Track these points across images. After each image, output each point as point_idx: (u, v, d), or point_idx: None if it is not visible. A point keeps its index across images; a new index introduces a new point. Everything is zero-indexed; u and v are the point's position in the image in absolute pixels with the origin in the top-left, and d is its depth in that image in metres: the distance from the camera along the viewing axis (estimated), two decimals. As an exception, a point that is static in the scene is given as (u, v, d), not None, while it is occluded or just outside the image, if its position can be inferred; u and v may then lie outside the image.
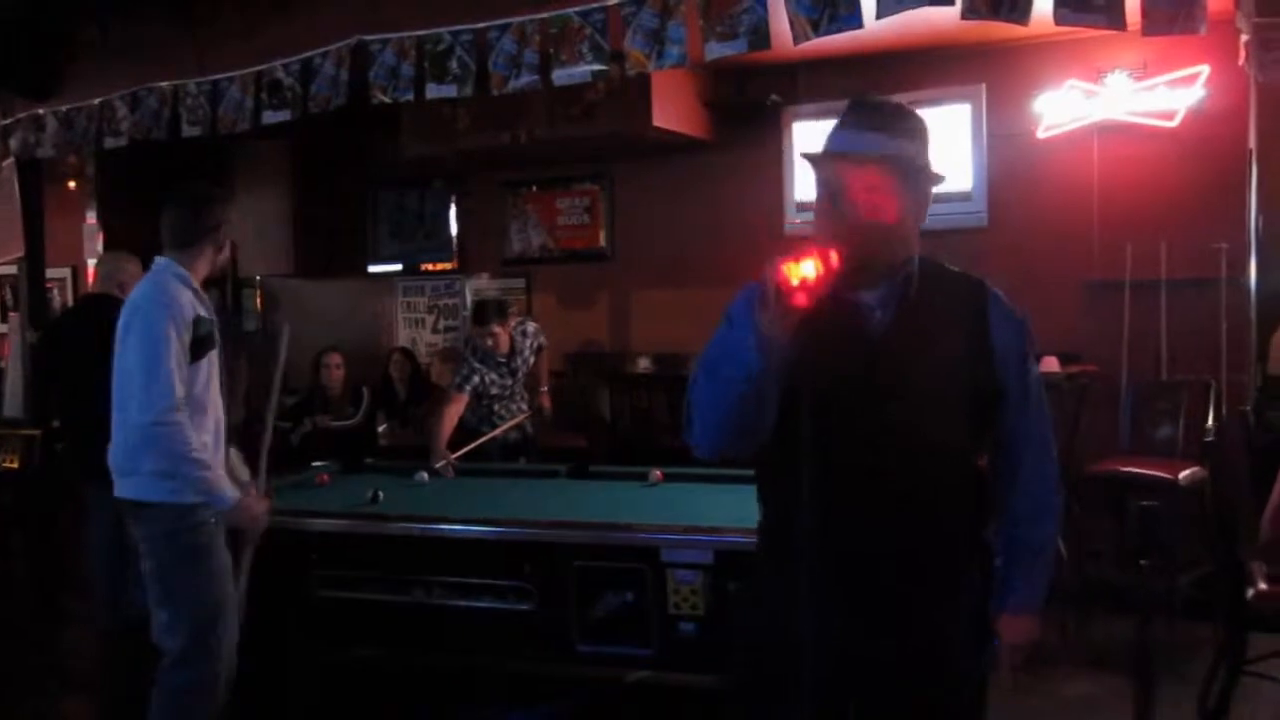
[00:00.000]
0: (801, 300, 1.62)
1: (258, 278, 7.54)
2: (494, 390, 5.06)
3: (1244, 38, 4.09)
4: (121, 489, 3.01)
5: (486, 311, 5.10)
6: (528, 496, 3.93)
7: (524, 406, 5.23)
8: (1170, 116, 4.88)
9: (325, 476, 4.29)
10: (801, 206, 5.83)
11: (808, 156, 1.91)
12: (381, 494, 3.82)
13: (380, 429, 6.11)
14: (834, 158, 1.86)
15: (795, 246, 1.64)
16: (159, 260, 3.11)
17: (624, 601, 3.14)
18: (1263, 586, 2.72)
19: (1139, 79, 4.94)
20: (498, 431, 4.99)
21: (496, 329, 5.01)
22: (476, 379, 5.00)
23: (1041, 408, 1.96)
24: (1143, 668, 2.93)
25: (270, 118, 4.72)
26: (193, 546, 2.92)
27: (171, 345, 2.88)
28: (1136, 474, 4.56)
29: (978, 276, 1.95)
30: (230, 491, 2.97)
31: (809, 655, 1.75)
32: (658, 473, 4.12)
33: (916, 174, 1.86)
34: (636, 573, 3.13)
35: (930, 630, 1.86)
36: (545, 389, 5.32)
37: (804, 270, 1.62)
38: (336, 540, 3.50)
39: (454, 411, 4.87)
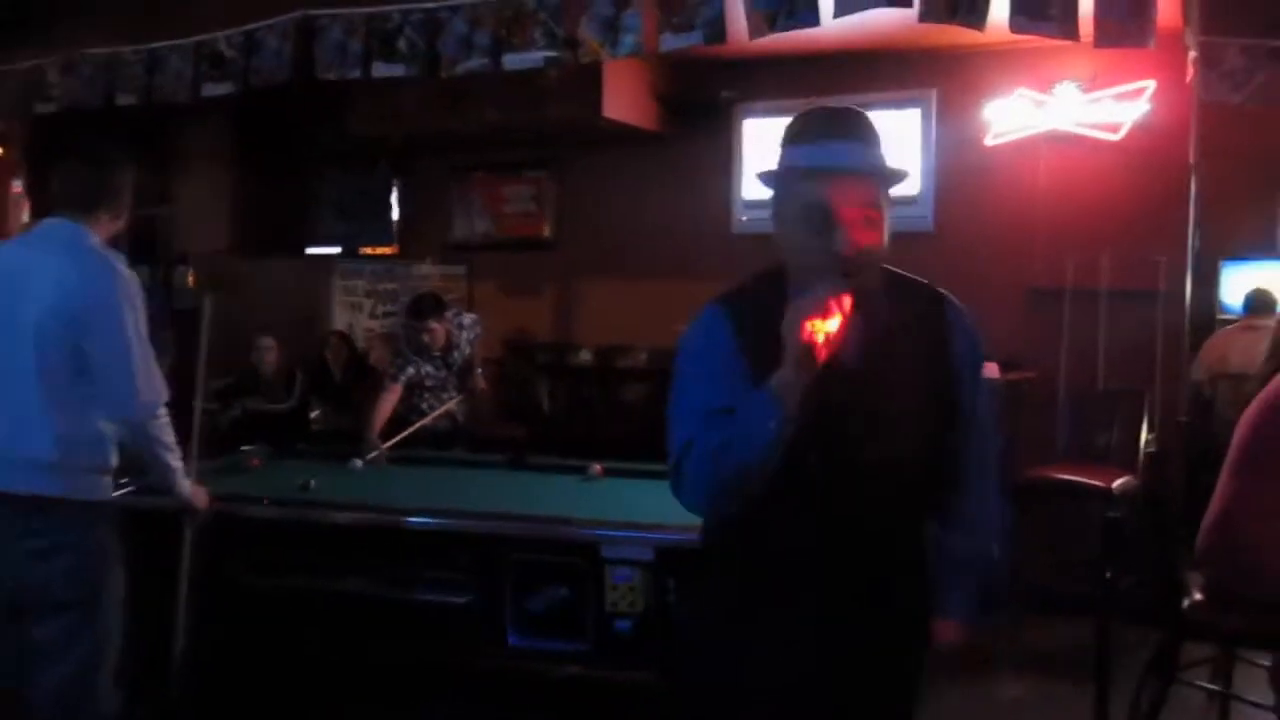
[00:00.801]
0: (823, 355, 1.54)
1: (192, 255, 7.34)
2: (429, 383, 4.97)
3: (1191, 54, 4.15)
4: (37, 484, 2.62)
5: (423, 306, 5.00)
6: (465, 487, 3.85)
7: (454, 394, 5.13)
8: (1116, 129, 4.94)
9: (256, 461, 4.18)
10: (750, 204, 5.82)
11: (788, 171, 1.72)
12: (314, 482, 3.72)
13: (313, 414, 5.98)
14: (830, 175, 1.66)
15: (813, 301, 1.54)
16: (61, 224, 2.73)
17: (561, 596, 3.09)
18: (1198, 597, 2.75)
19: (1087, 91, 5.00)
20: (428, 419, 4.89)
21: (434, 325, 4.91)
22: (412, 370, 4.90)
23: (988, 425, 1.91)
24: (1102, 677, 2.93)
25: (211, 90, 4.57)
26: (110, 544, 2.73)
27: (143, 329, 2.71)
28: (1072, 481, 4.61)
29: (937, 288, 1.87)
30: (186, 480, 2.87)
31: (780, 659, 1.73)
32: (598, 467, 4.07)
33: (894, 180, 1.77)
34: (575, 568, 3.07)
35: (897, 638, 1.85)
36: (480, 370, 5.17)
37: (829, 327, 1.53)
38: (267, 527, 3.40)
39: (389, 401, 4.78)
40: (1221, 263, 6.77)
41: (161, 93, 4.70)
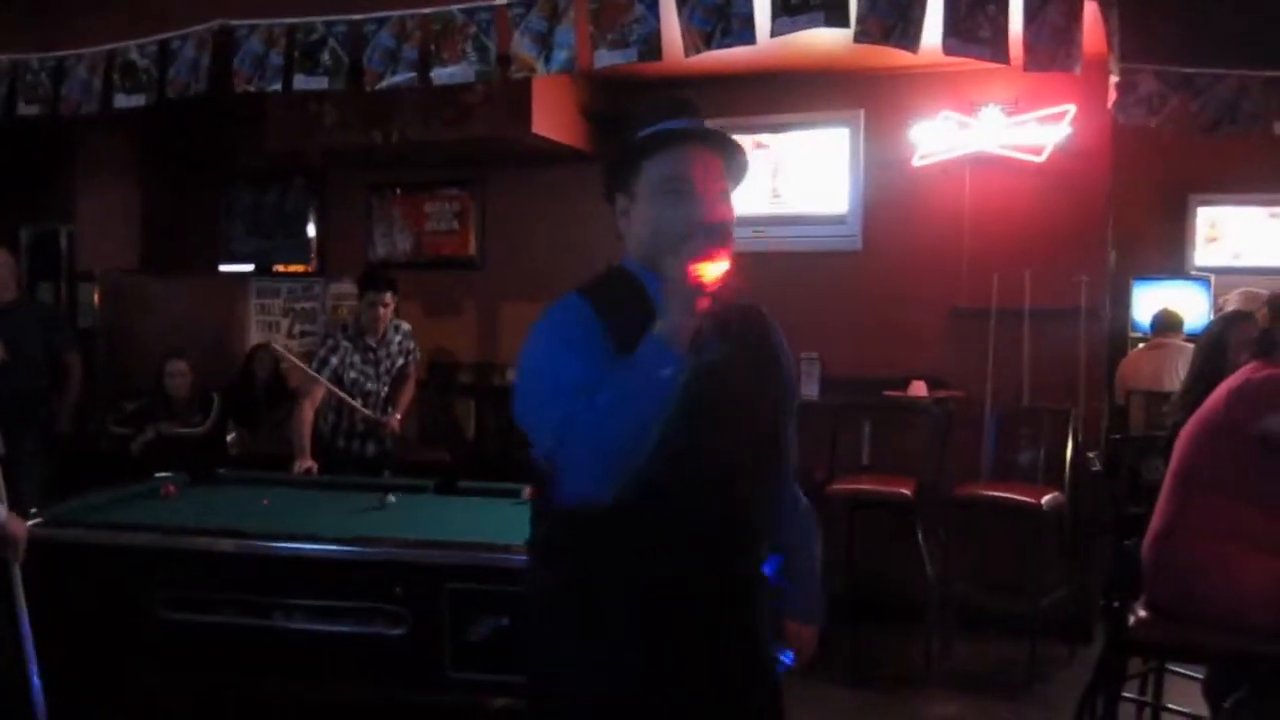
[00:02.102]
0: (706, 304, 1.51)
1: (98, 272, 7.04)
2: (352, 374, 4.78)
3: (1113, 79, 4.25)
4: None
5: (377, 278, 4.85)
6: (395, 514, 3.73)
7: (375, 400, 4.90)
8: (1038, 151, 5.04)
9: (172, 488, 3.99)
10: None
11: (648, 141, 1.70)
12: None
13: (229, 438, 5.77)
14: (689, 146, 1.70)
15: (697, 244, 1.53)
16: None
17: (500, 626, 2.99)
18: (1141, 613, 2.77)
19: (1010, 114, 5.09)
20: (358, 405, 4.73)
21: (388, 298, 4.78)
22: (335, 360, 4.72)
23: (795, 435, 1.94)
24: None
25: (122, 102, 4.39)
26: None
27: None
28: (1001, 498, 4.66)
29: (755, 305, 1.87)
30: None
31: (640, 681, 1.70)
32: (530, 490, 3.97)
33: (742, 165, 1.79)
34: (515, 596, 2.98)
35: (760, 651, 1.83)
36: (399, 415, 4.88)
37: (715, 270, 1.51)
38: (185, 558, 3.23)
39: (312, 402, 4.63)
40: (1132, 282, 7.00)
41: (69, 104, 4.50)
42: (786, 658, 1.96)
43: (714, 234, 1.60)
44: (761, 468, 1.78)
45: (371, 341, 4.81)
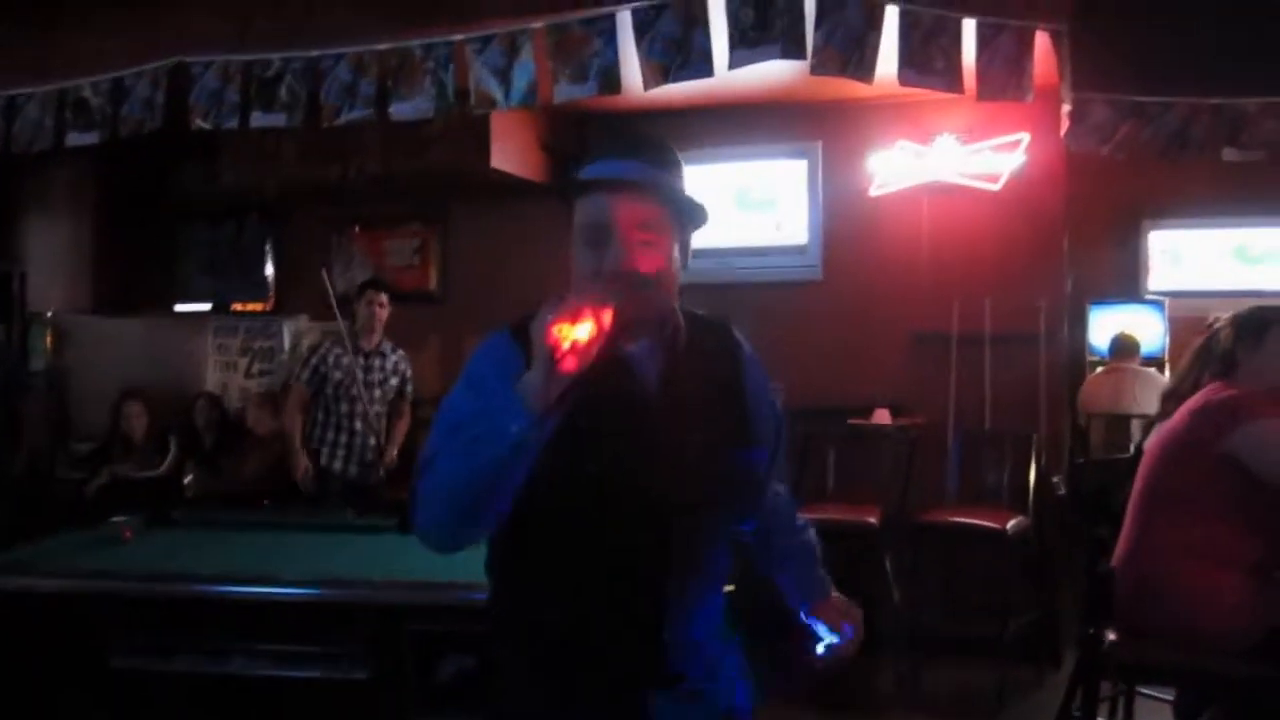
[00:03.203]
0: (571, 366, 1.44)
1: (49, 313, 6.92)
2: (338, 374, 4.72)
3: (1065, 108, 4.31)
4: None
5: (375, 280, 5.00)
6: (354, 554, 3.66)
7: (375, 446, 4.83)
8: (994, 179, 5.10)
9: (128, 532, 3.89)
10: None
11: (568, 186, 1.68)
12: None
13: (186, 479, 5.67)
14: (608, 187, 1.64)
15: (565, 304, 1.47)
16: None
17: (466, 667, 2.93)
18: (1112, 637, 2.77)
19: (965, 143, 5.15)
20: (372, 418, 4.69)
21: (384, 298, 4.78)
22: (316, 360, 4.73)
23: (784, 450, 1.92)
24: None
25: (75, 139, 4.34)
26: None
27: None
28: (965, 523, 4.67)
29: (722, 320, 1.83)
30: None
31: None
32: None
33: (689, 211, 1.70)
34: (479, 636, 2.92)
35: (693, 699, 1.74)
36: (394, 452, 4.87)
37: (577, 333, 1.44)
38: (141, 604, 3.15)
39: (294, 404, 4.62)
40: (1089, 305, 7.09)
41: (20, 142, 4.44)
42: (835, 637, 1.91)
43: (618, 285, 1.55)
44: (698, 504, 1.69)
45: (365, 345, 4.78)
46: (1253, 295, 6.82)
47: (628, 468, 1.62)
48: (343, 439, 4.82)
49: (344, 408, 4.77)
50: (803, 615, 1.93)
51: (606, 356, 1.50)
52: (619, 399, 1.62)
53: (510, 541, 1.72)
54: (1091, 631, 2.78)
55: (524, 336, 1.60)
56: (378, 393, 4.90)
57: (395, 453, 4.87)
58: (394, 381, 4.95)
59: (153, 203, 6.91)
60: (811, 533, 2.00)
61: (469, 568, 3.29)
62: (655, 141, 1.73)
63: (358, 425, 4.81)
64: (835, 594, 1.98)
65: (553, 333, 1.44)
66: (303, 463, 4.53)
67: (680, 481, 1.65)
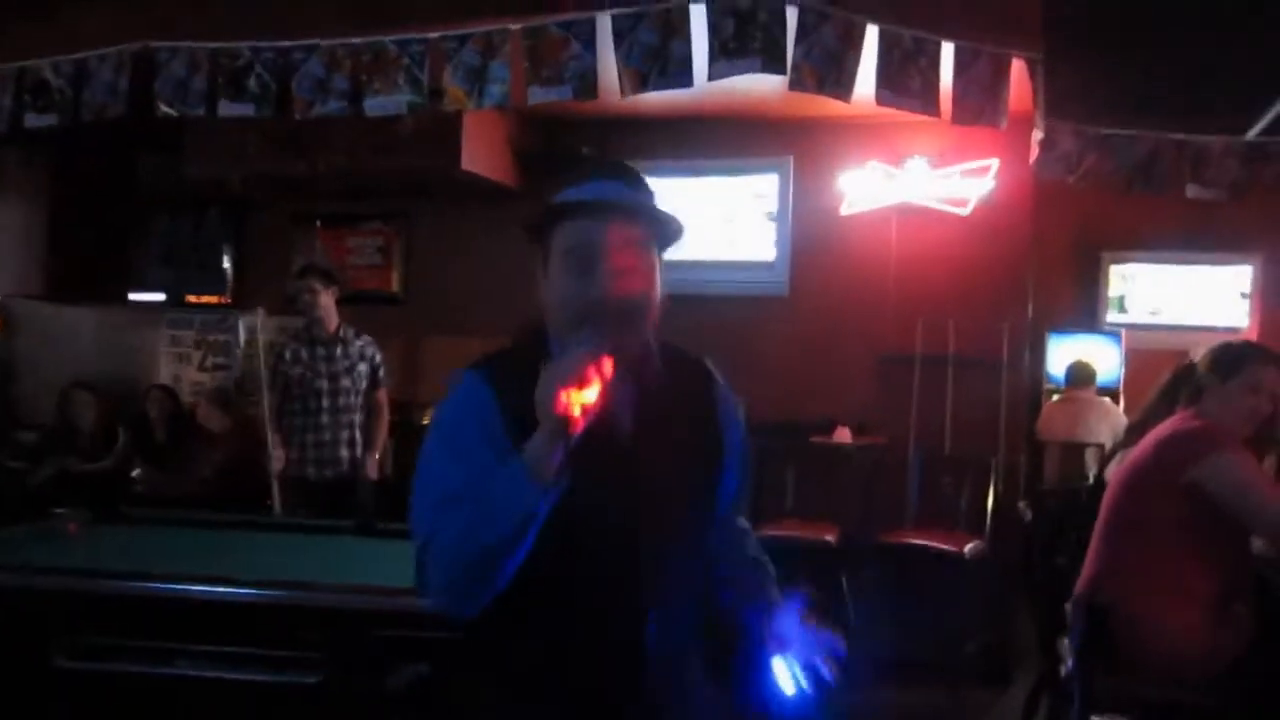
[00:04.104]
0: (580, 426, 1.41)
1: (-1, 298, 6.76)
2: (297, 369, 4.60)
3: (1038, 135, 4.35)
4: None
5: (309, 266, 4.83)
6: (309, 556, 3.58)
7: (349, 442, 4.68)
8: (963, 204, 5.14)
9: (73, 525, 3.79)
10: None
11: (556, 210, 1.60)
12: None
13: (135, 474, 5.53)
14: (595, 211, 1.58)
15: (571, 368, 1.43)
16: None
17: (422, 674, 2.87)
18: (1070, 664, 2.78)
19: (936, 166, 5.18)
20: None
21: (315, 284, 4.63)
22: (275, 361, 4.65)
23: (745, 498, 1.89)
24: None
25: (34, 122, 4.23)
26: None
27: None
28: (924, 546, 4.68)
29: (695, 355, 1.79)
30: None
31: None
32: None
33: (671, 231, 1.66)
34: (435, 642, 2.87)
35: None
36: (375, 456, 4.67)
37: (586, 397, 1.41)
38: (85, 602, 3.05)
39: (270, 416, 4.52)
40: (1047, 334, 7.17)
41: (-25, 122, 4.31)
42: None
43: (615, 315, 1.52)
44: (671, 536, 1.66)
45: (320, 334, 4.63)
46: (1208, 331, 6.95)
47: (602, 505, 1.56)
48: (310, 439, 4.65)
49: (310, 404, 4.62)
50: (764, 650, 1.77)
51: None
52: (594, 439, 1.53)
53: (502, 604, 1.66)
54: (1083, 665, 2.73)
55: (495, 378, 1.58)
56: (345, 383, 4.68)
57: (376, 458, 4.65)
58: (362, 369, 4.72)
59: (111, 190, 6.77)
60: (765, 560, 1.90)
61: (427, 574, 3.24)
62: (627, 166, 1.70)
63: (324, 420, 4.63)
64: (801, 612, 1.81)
65: (562, 401, 1.40)
66: (280, 459, 4.38)
67: (654, 516, 1.61)
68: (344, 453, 4.66)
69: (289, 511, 4.49)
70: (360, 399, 4.75)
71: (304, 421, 4.66)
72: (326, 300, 4.68)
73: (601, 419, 1.48)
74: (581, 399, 1.41)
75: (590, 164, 1.71)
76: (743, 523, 1.93)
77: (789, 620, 1.73)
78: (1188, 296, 7.50)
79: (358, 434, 4.69)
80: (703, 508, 1.72)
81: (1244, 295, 7.41)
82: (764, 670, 1.71)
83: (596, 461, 1.52)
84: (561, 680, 1.63)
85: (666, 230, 1.66)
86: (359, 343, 4.76)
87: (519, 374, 1.54)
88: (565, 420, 1.40)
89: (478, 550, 1.47)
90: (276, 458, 4.48)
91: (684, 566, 1.70)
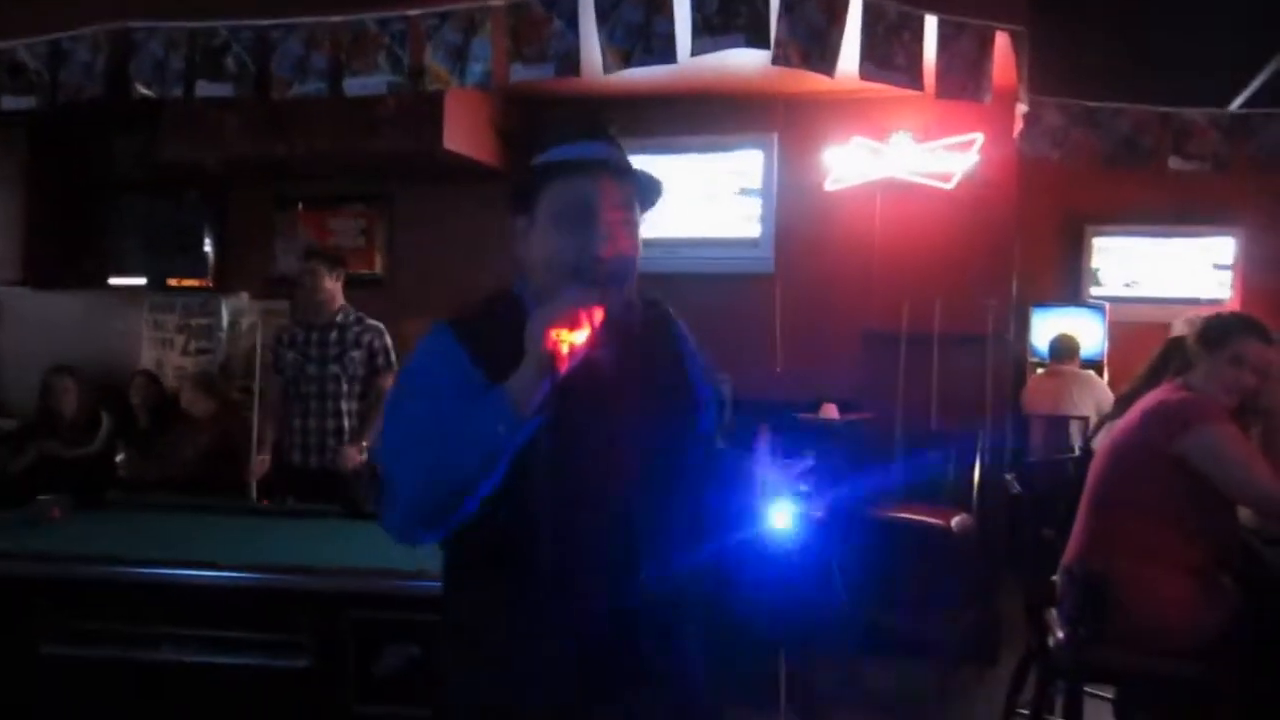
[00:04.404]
0: (564, 366, 1.46)
1: (-25, 284, 6.69)
2: (290, 354, 4.52)
3: (1023, 109, 4.34)
4: None
5: (313, 249, 4.82)
6: (296, 540, 3.57)
7: (336, 431, 4.56)
8: (948, 179, 5.13)
9: (56, 512, 3.76)
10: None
11: (540, 171, 1.64)
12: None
13: (119, 459, 5.49)
14: (588, 169, 1.62)
15: (562, 308, 1.47)
16: None
17: (410, 656, 2.87)
18: (1060, 635, 2.79)
19: (920, 141, 5.17)
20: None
21: (318, 266, 4.57)
22: (273, 343, 4.57)
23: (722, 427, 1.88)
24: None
25: (10, 104, 4.17)
26: None
27: None
28: (910, 520, 4.69)
29: (651, 298, 1.81)
30: None
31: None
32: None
33: (654, 190, 1.71)
34: (425, 625, 2.86)
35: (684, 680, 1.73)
36: (362, 443, 4.51)
37: (575, 338, 1.46)
38: (69, 587, 3.03)
39: (270, 402, 4.53)
40: (1031, 308, 7.19)
41: (-50, 104, 4.25)
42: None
43: (607, 272, 1.57)
44: (658, 483, 1.67)
45: (317, 319, 4.59)
46: (1191, 303, 6.99)
47: (586, 454, 1.58)
48: (296, 424, 4.59)
49: (301, 389, 4.56)
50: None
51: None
52: (575, 389, 1.57)
53: (468, 539, 1.67)
54: (1079, 632, 2.73)
55: (467, 333, 1.60)
56: (333, 369, 4.57)
57: (362, 445, 4.52)
58: (356, 355, 4.59)
59: (89, 173, 6.70)
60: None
61: (413, 556, 3.23)
62: (605, 121, 1.72)
63: (311, 406, 4.57)
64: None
65: (552, 338, 1.43)
66: (261, 460, 4.35)
67: (638, 463, 1.63)
68: (330, 441, 4.59)
69: (276, 498, 4.45)
70: (355, 386, 4.61)
71: (293, 407, 4.61)
72: (330, 284, 4.60)
73: (585, 368, 1.51)
74: (570, 339, 1.45)
75: (575, 124, 1.69)
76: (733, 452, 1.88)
77: (763, 465, 1.77)
78: (1170, 269, 7.54)
79: (346, 422, 4.60)
80: (683, 446, 1.73)
81: (1225, 267, 7.45)
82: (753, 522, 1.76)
83: (580, 408, 1.54)
84: (549, 643, 1.62)
85: (650, 191, 1.70)
86: (356, 329, 4.64)
87: (489, 328, 1.61)
88: (551, 356, 1.44)
89: (446, 477, 1.51)
90: (259, 461, 4.39)
91: (671, 515, 1.70)
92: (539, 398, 1.46)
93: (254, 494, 4.52)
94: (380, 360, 4.65)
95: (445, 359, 1.60)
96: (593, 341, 1.47)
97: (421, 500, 1.54)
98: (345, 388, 4.58)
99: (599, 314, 1.48)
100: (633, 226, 1.65)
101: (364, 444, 4.52)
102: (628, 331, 1.65)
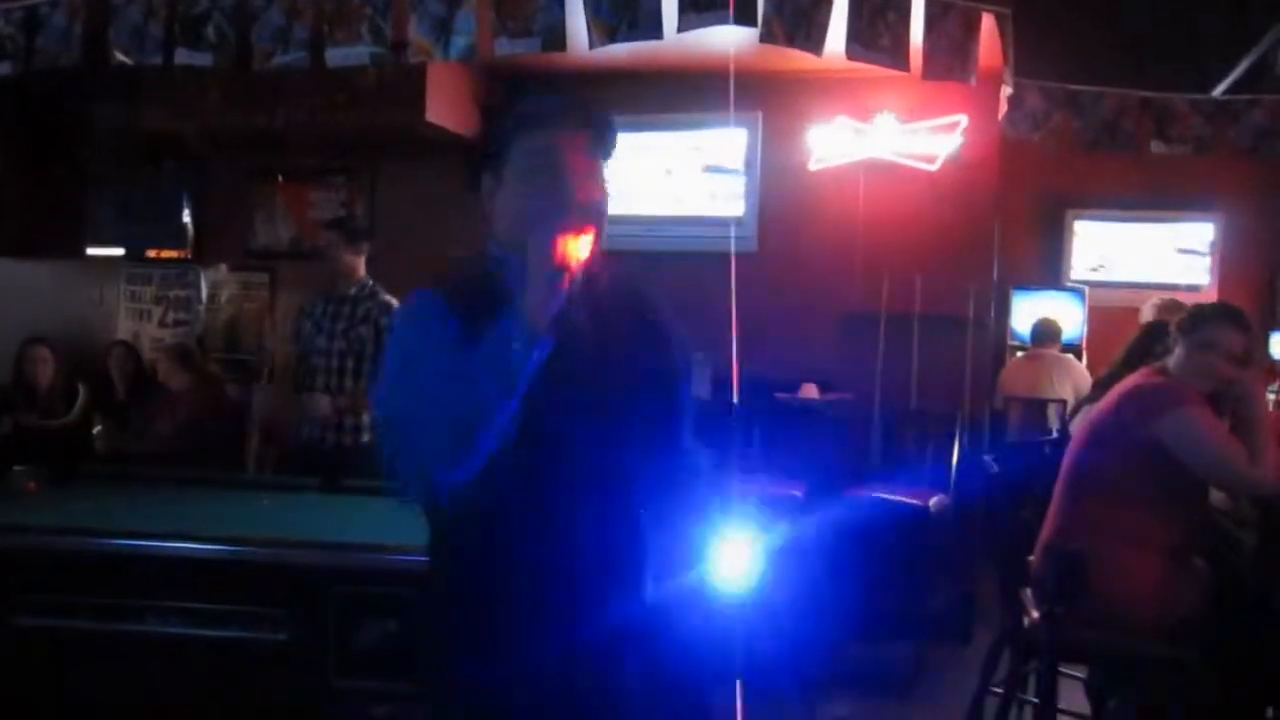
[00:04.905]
0: (567, 283, 1.46)
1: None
2: (308, 325, 4.40)
3: (1007, 91, 4.34)
4: None
5: (339, 221, 4.72)
6: (275, 514, 3.56)
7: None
8: (931, 160, 5.13)
9: (31, 484, 3.73)
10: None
11: (516, 120, 1.66)
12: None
13: (95, 431, 5.45)
14: (552, 123, 1.63)
15: (563, 220, 1.48)
16: None
17: (389, 631, 2.87)
18: (1035, 615, 2.82)
19: (904, 122, 5.16)
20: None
21: (335, 238, 4.48)
22: (303, 318, 4.48)
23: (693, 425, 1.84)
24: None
25: (-14, 70, 4.10)
26: None
27: None
28: (890, 501, 4.71)
29: (641, 285, 1.81)
30: None
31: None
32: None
33: (612, 141, 1.70)
34: (404, 599, 2.86)
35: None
36: (337, 399, 4.36)
37: (580, 250, 1.47)
38: (44, 559, 3.01)
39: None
40: (1011, 291, 7.21)
41: (-76, 71, 4.18)
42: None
43: (583, 212, 1.57)
44: (623, 460, 1.66)
45: (335, 292, 4.48)
46: (1169, 288, 7.02)
47: (559, 418, 1.57)
48: (304, 397, 4.51)
49: (312, 361, 4.46)
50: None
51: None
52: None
53: (451, 507, 1.67)
54: (1054, 611, 2.75)
55: (457, 298, 1.59)
56: (339, 344, 4.44)
57: (336, 400, 4.38)
58: (363, 330, 4.43)
59: (65, 142, 6.61)
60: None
61: (394, 531, 3.23)
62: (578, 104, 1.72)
63: (317, 381, 4.47)
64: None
65: (560, 248, 1.44)
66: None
67: (610, 431, 1.62)
68: (343, 418, 4.51)
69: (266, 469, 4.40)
70: (365, 364, 4.45)
71: (304, 380, 4.52)
72: (349, 257, 4.50)
73: (563, 331, 1.52)
74: (576, 249, 1.46)
75: (529, 96, 1.72)
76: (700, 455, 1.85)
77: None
78: (1150, 254, 7.57)
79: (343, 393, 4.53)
80: (658, 428, 1.72)
81: (1204, 253, 7.49)
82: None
83: (551, 376, 1.53)
84: (531, 618, 1.62)
85: (606, 134, 1.70)
86: (369, 304, 4.49)
87: (468, 291, 1.62)
88: (560, 264, 1.45)
89: (463, 408, 1.49)
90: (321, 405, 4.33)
91: (642, 482, 1.69)
92: (551, 311, 1.47)
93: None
94: (385, 339, 4.44)
95: (427, 323, 1.61)
96: (588, 265, 1.48)
97: (438, 436, 1.52)
98: (351, 364, 4.47)
99: (592, 235, 1.50)
100: (599, 174, 1.66)
101: (339, 400, 4.40)
102: (593, 292, 1.63)
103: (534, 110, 1.67)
